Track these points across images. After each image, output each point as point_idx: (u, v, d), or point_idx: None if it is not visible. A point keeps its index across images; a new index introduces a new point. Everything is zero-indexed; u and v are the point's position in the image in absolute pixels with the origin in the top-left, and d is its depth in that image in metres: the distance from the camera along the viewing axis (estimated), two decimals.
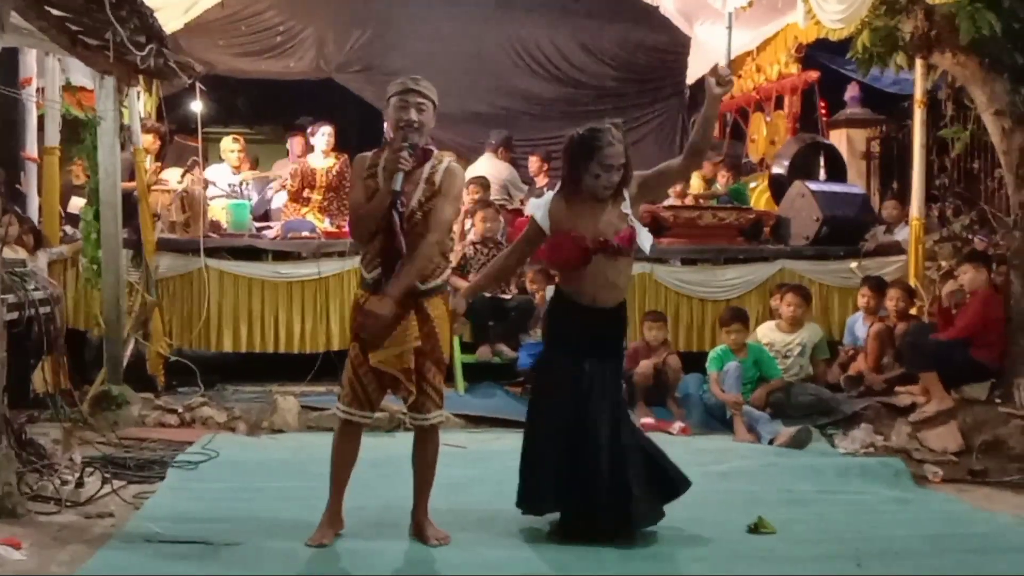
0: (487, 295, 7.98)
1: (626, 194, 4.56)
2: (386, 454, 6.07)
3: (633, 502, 4.43)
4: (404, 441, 6.55)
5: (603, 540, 4.41)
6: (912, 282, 7.98)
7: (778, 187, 9.85)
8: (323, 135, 9.24)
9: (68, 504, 4.87)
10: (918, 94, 8.03)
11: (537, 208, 4.65)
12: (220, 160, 10.00)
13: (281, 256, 8.23)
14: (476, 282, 5.23)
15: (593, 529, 4.45)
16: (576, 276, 4.53)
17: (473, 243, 8.27)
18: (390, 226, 4.24)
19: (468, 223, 8.65)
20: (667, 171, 4.73)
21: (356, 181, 4.42)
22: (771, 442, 6.65)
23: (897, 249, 8.69)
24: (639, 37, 13.11)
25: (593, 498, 4.42)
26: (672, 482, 4.69)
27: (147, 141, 8.46)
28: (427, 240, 4.28)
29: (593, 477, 4.42)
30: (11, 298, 5.70)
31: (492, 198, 9.29)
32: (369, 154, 4.46)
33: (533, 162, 10.83)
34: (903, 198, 9.00)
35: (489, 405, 7.46)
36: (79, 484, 5.05)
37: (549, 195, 4.68)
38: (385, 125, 10.03)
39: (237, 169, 9.91)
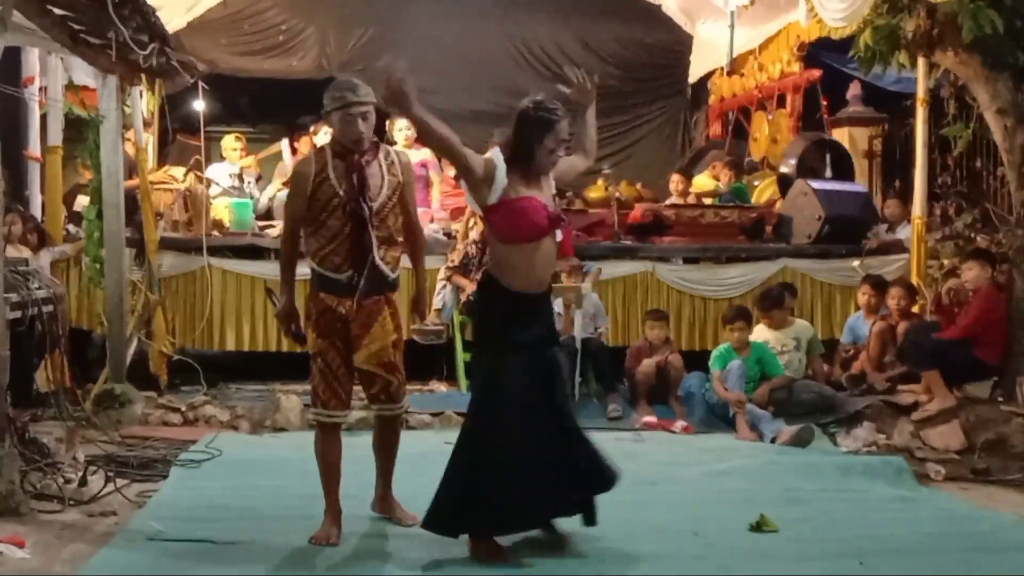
0: None
1: (551, 176, 4.39)
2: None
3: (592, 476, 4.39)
4: (405, 439, 6.59)
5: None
6: (914, 281, 7.97)
7: (786, 186, 9.84)
8: (326, 134, 9.23)
9: (71, 503, 4.88)
10: (920, 92, 8.02)
11: (492, 165, 4.21)
12: (222, 159, 10.00)
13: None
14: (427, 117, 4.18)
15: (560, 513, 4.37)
16: (522, 256, 4.19)
17: (475, 242, 8.26)
18: (360, 219, 4.33)
19: (471, 222, 8.64)
20: (574, 164, 4.56)
21: (296, 193, 4.44)
22: (773, 440, 6.65)
23: (899, 248, 8.70)
24: (641, 35, 13.10)
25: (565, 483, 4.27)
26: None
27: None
28: (419, 229, 4.68)
29: (564, 463, 4.26)
30: (14, 297, 5.72)
31: None
32: (312, 159, 4.45)
33: None
34: (905, 197, 8.99)
35: None
36: (82, 483, 5.07)
37: (498, 155, 4.23)
38: (387, 123, 10.10)
39: (240, 168, 9.91)
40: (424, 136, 4.28)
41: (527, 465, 4.19)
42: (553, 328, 4.59)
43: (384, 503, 4.76)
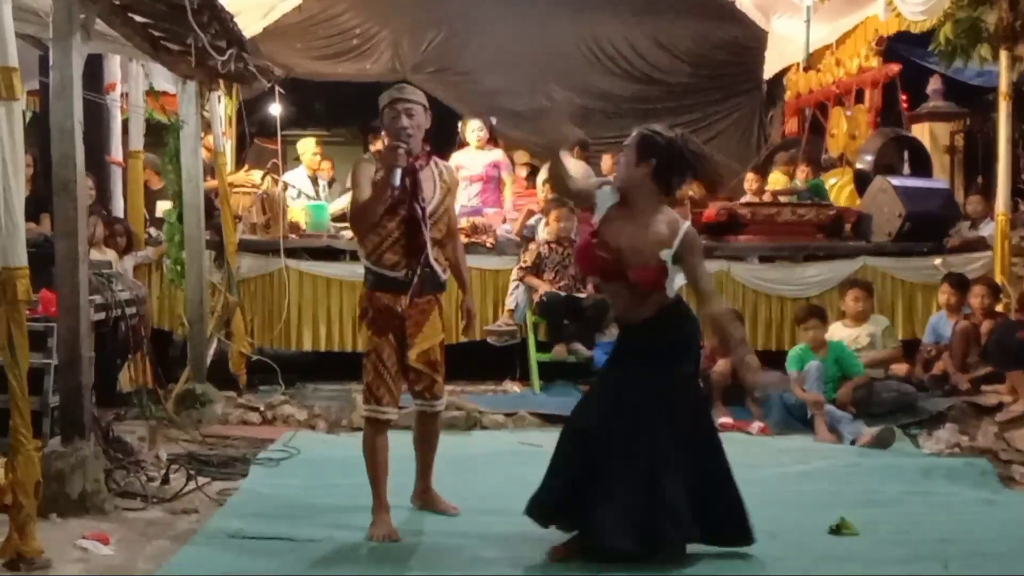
0: (563, 295, 7.99)
1: (682, 233, 4.20)
2: (465, 452, 6.12)
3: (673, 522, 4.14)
4: (479, 439, 6.64)
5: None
6: (998, 279, 7.79)
7: (862, 182, 9.68)
8: None
9: (154, 500, 4.96)
10: (1003, 86, 7.85)
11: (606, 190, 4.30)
12: (296, 162, 10.12)
13: (359, 256, 8.28)
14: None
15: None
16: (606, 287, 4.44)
17: (548, 242, 8.27)
18: (415, 222, 4.51)
19: (531, 221, 8.66)
20: (692, 282, 4.33)
21: (362, 181, 4.55)
22: (853, 442, 6.55)
23: (982, 245, 8.51)
24: (715, 32, 12.98)
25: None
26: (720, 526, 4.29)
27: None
28: (459, 237, 5.01)
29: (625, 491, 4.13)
30: (98, 299, 5.84)
31: None
32: (372, 158, 4.81)
33: (606, 161, 10.79)
34: (988, 193, 8.80)
35: (564, 404, 7.40)
36: (164, 481, 5.16)
37: (610, 188, 4.31)
38: (459, 124, 10.16)
39: (314, 171, 10.02)
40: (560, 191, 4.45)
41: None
42: (646, 354, 4.38)
43: (425, 496, 4.91)
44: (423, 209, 4.52)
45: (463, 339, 6.19)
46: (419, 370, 4.64)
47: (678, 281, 4.26)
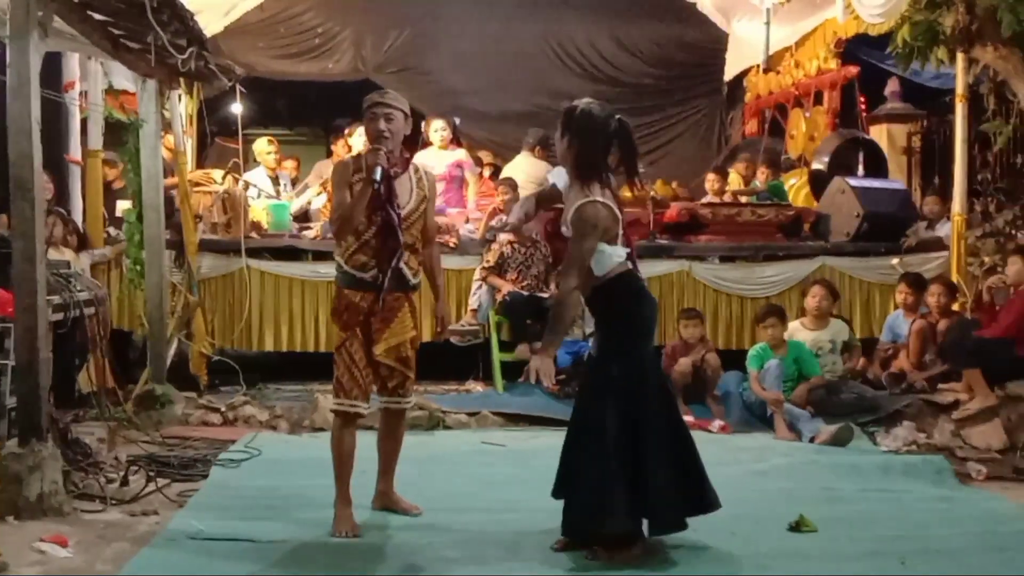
0: (526, 294, 8.00)
1: (570, 212, 4.36)
2: (428, 452, 6.12)
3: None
4: (442, 439, 6.64)
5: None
6: (954, 278, 7.89)
7: (818, 183, 9.78)
8: (361, 136, 9.27)
9: (113, 502, 4.93)
10: (959, 88, 7.94)
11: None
12: (255, 163, 10.06)
13: (321, 256, 8.26)
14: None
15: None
16: None
17: (511, 243, 8.28)
18: (389, 224, 4.58)
19: (493, 222, 8.65)
20: None
21: (341, 184, 4.64)
22: (812, 440, 6.62)
23: (939, 245, 8.61)
24: (676, 33, 13.06)
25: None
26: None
27: None
28: (436, 243, 4.99)
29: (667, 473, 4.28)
30: (56, 299, 5.79)
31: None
32: (351, 160, 4.82)
33: None
34: (945, 194, 8.90)
35: (528, 403, 7.46)
36: (124, 482, 5.13)
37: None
38: (422, 124, 10.15)
39: (274, 171, 9.97)
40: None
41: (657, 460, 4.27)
42: None
43: (386, 498, 4.92)
44: (398, 215, 4.58)
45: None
46: (390, 366, 4.69)
47: (603, 260, 4.26)
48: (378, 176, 4.50)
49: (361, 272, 4.61)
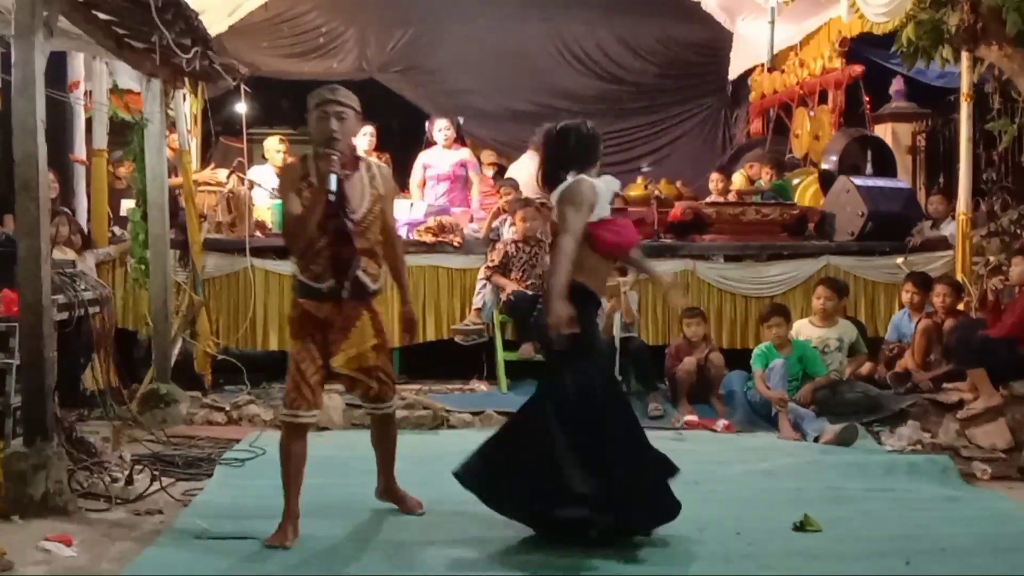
0: (530, 294, 8.00)
1: None
2: (432, 451, 6.12)
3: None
4: (446, 438, 6.64)
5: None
6: (959, 278, 7.88)
7: (828, 182, 9.75)
8: (365, 135, 9.29)
9: (118, 501, 4.94)
10: (964, 87, 7.94)
11: (593, 191, 4.42)
12: (263, 160, 10.08)
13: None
14: (560, 284, 4.38)
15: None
16: (604, 265, 4.55)
17: (515, 242, 8.28)
18: (343, 233, 4.36)
19: (496, 222, 8.66)
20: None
21: (288, 191, 4.43)
22: (817, 439, 6.61)
23: (944, 244, 8.60)
24: (681, 33, 13.04)
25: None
26: None
27: None
28: (398, 242, 4.77)
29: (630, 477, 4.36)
30: (61, 298, 5.78)
31: (533, 196, 9.28)
32: (297, 163, 4.57)
33: None
34: (949, 193, 8.89)
35: None
36: (129, 481, 5.13)
37: (586, 177, 4.47)
38: (427, 123, 10.15)
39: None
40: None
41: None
42: None
43: (388, 492, 4.91)
44: (352, 221, 4.37)
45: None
46: (352, 377, 4.56)
47: None
48: (333, 185, 4.25)
49: (316, 283, 4.41)
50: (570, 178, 4.45)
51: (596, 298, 4.54)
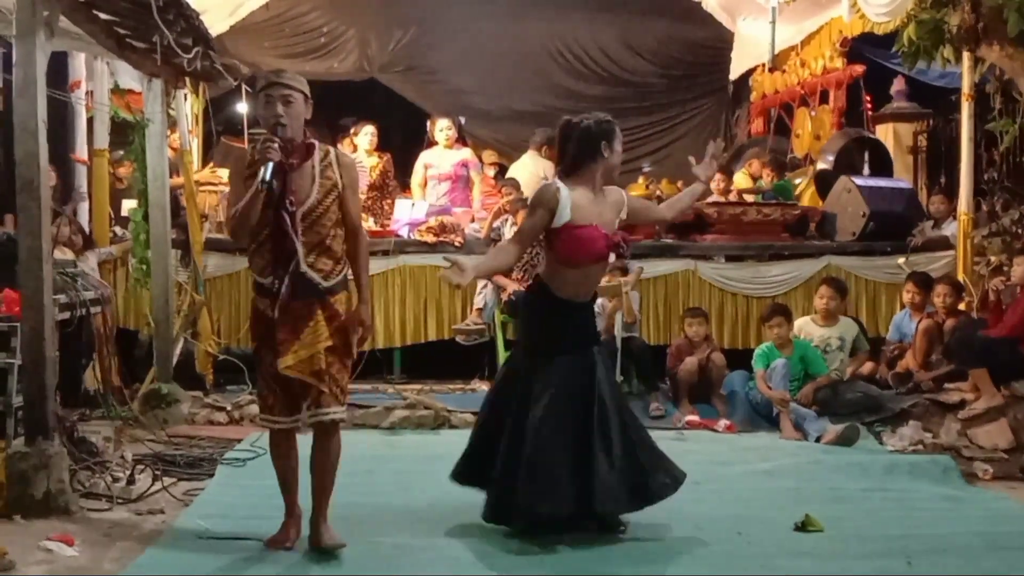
0: None
1: (626, 197, 4.71)
2: (433, 451, 6.12)
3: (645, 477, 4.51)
4: (448, 438, 6.64)
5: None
6: (961, 278, 7.87)
7: (823, 183, 9.76)
8: (366, 135, 9.31)
9: (119, 501, 4.94)
10: (965, 87, 7.93)
11: (555, 196, 4.45)
12: None
13: None
14: (484, 266, 4.70)
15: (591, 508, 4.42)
16: (576, 273, 4.51)
17: None
18: (280, 227, 4.05)
19: (497, 222, 8.66)
20: (652, 211, 5.09)
21: (236, 178, 4.21)
22: (818, 440, 6.61)
23: (945, 244, 8.60)
24: (681, 33, 13.05)
25: (598, 479, 4.35)
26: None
27: None
28: (360, 234, 4.29)
29: (603, 466, 4.37)
30: (62, 298, 5.80)
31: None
32: (248, 150, 4.32)
33: None
34: (951, 193, 8.88)
35: None
36: (130, 481, 5.13)
37: (559, 183, 4.50)
38: (428, 123, 10.13)
39: None
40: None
41: (560, 455, 4.38)
42: (594, 330, 4.76)
43: (314, 528, 4.29)
44: (290, 213, 4.03)
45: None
46: (302, 381, 4.14)
47: None
48: (268, 175, 3.94)
49: (261, 278, 4.14)
50: (554, 179, 4.54)
51: (556, 299, 4.51)
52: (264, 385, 4.25)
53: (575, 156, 4.53)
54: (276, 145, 4.00)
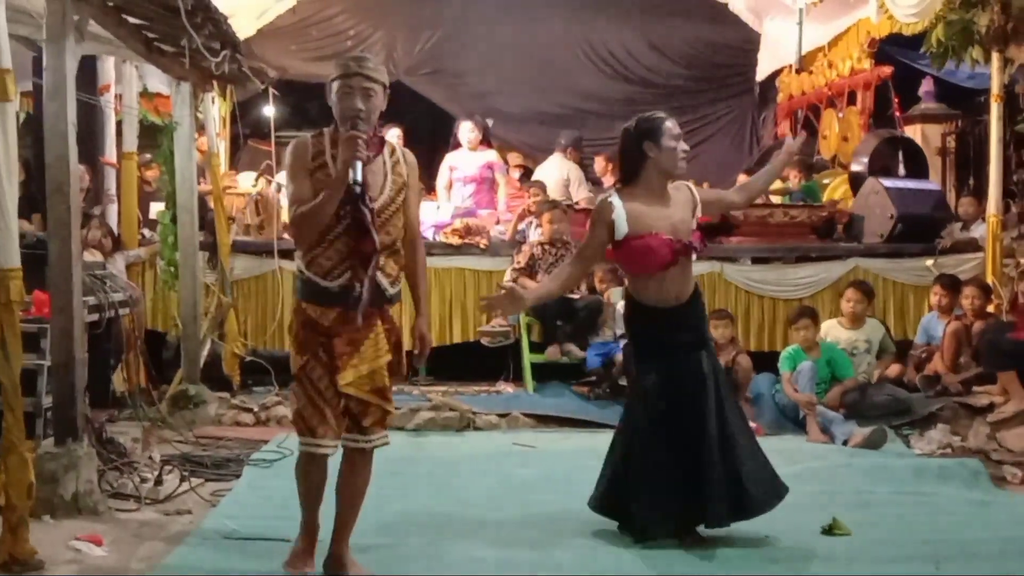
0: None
1: (694, 191, 4.64)
2: (458, 453, 6.13)
3: (746, 488, 4.43)
4: (473, 440, 6.65)
5: (683, 540, 4.42)
6: (989, 280, 7.81)
7: (857, 184, 9.69)
8: (392, 137, 9.32)
9: (147, 501, 4.98)
10: (994, 88, 7.87)
11: (609, 210, 4.44)
12: None
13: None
14: (543, 290, 4.75)
15: (700, 520, 4.42)
16: (656, 279, 4.44)
17: (541, 243, 8.28)
18: (361, 224, 3.69)
19: (522, 225, 8.67)
20: (724, 199, 4.93)
21: (298, 172, 3.77)
22: (845, 443, 6.57)
23: (974, 246, 8.53)
24: (708, 34, 13.02)
25: (707, 490, 4.34)
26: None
27: None
28: (419, 242, 4.02)
29: (708, 469, 4.35)
30: (91, 300, 5.84)
31: (560, 198, 9.29)
32: (309, 140, 3.86)
33: (599, 162, 10.81)
34: (979, 194, 8.82)
35: (558, 405, 7.46)
36: (158, 482, 5.16)
37: (615, 197, 4.48)
38: (457, 125, 10.08)
39: None
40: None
41: (673, 469, 4.38)
42: (700, 334, 4.61)
43: (337, 564, 3.95)
44: (371, 211, 3.70)
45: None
46: (361, 399, 3.78)
47: None
48: (358, 175, 3.64)
49: (325, 279, 3.74)
50: (610, 192, 4.51)
51: (642, 307, 4.50)
52: (308, 404, 3.75)
53: (624, 164, 4.52)
54: (362, 141, 3.65)
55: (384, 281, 3.80)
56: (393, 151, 3.90)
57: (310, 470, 3.86)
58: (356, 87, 3.74)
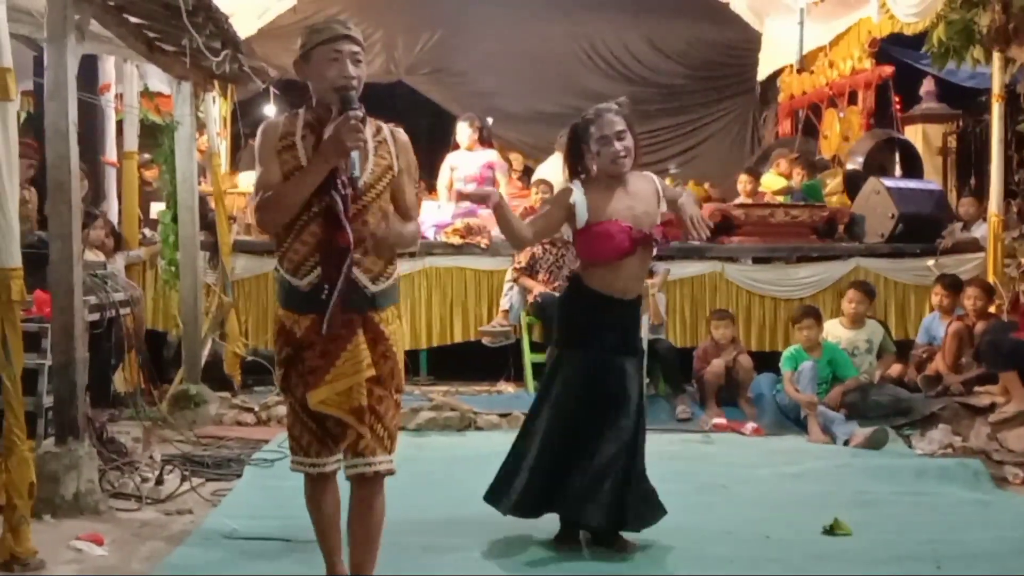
0: (557, 295, 7.99)
1: (658, 184, 4.53)
2: (459, 453, 6.13)
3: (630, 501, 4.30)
4: (474, 440, 6.65)
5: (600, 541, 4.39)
6: (991, 280, 7.81)
7: (853, 184, 9.70)
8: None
9: (148, 501, 4.97)
10: (996, 88, 7.87)
11: (567, 195, 4.39)
12: None
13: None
14: (508, 214, 4.34)
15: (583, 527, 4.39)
16: (607, 269, 4.33)
17: (543, 244, 8.27)
18: (332, 215, 3.18)
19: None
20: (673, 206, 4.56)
21: (266, 155, 3.27)
22: (846, 443, 6.57)
23: (975, 246, 8.53)
24: (709, 34, 13.04)
25: (592, 495, 4.23)
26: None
27: None
28: (413, 223, 3.48)
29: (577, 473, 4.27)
30: (92, 299, 5.84)
31: None
32: (281, 120, 3.38)
33: None
34: (981, 194, 8.82)
35: None
36: (159, 481, 5.17)
37: (576, 184, 4.41)
38: (457, 124, 10.08)
39: None
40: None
41: (541, 459, 4.36)
42: (630, 337, 4.48)
43: None
44: (343, 196, 3.18)
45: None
46: (339, 419, 3.26)
47: None
48: (357, 169, 3.16)
49: (296, 278, 3.24)
50: (573, 181, 4.46)
51: (587, 289, 4.37)
52: (297, 422, 3.34)
53: (570, 162, 4.49)
54: (358, 123, 3.15)
55: (363, 278, 3.25)
56: (379, 130, 3.36)
57: (314, 494, 3.44)
58: (344, 52, 3.25)
